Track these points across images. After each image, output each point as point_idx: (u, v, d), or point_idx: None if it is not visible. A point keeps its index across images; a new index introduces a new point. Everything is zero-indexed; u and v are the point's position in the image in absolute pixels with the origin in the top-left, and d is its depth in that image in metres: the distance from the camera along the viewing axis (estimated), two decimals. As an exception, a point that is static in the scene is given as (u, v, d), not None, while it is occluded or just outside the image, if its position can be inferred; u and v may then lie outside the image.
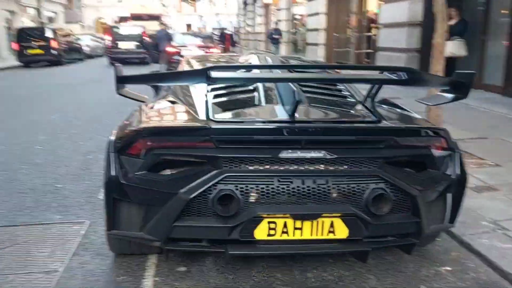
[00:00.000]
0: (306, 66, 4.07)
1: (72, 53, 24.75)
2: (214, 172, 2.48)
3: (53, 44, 21.82)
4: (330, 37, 17.79)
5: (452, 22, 9.75)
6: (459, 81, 2.71)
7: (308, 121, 2.88)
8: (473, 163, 5.26)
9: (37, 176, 5.11)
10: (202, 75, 2.47)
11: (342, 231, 2.56)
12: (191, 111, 2.98)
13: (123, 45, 22.54)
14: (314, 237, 2.56)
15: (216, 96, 3.13)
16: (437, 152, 2.84)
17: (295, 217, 2.48)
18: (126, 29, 24.49)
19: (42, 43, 21.52)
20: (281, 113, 2.86)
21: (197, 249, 2.69)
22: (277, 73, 3.17)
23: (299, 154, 2.53)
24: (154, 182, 2.57)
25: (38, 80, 16.29)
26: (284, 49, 23.25)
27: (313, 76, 3.06)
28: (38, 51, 21.47)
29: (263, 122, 2.76)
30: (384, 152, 2.62)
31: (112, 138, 2.75)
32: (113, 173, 2.60)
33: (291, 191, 2.51)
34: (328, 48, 17.97)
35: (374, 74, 3.05)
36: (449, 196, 2.95)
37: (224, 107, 2.98)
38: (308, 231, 2.54)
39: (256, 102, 3.11)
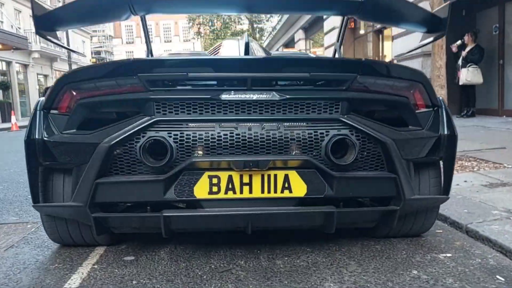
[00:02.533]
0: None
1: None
2: (143, 118, 2.13)
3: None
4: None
5: (467, 49, 9.45)
6: (435, 16, 2.34)
7: (256, 58, 2.52)
8: (489, 166, 4.71)
9: None
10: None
11: (299, 188, 2.12)
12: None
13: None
14: (266, 195, 2.12)
15: None
16: (418, 107, 2.41)
17: (238, 166, 2.06)
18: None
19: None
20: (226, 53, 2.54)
21: (131, 215, 2.27)
22: None
23: (244, 95, 2.16)
24: (81, 138, 2.23)
25: None
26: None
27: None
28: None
29: (200, 57, 2.42)
30: (348, 94, 2.22)
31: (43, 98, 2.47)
32: (36, 134, 2.28)
33: (235, 139, 2.12)
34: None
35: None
36: (436, 162, 2.47)
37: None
38: (258, 187, 2.11)
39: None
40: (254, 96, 2.15)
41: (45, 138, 2.25)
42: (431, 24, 2.38)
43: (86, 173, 2.14)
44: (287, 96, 2.14)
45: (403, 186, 2.21)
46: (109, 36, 56.29)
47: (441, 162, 2.56)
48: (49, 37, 2.44)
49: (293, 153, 2.13)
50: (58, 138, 2.25)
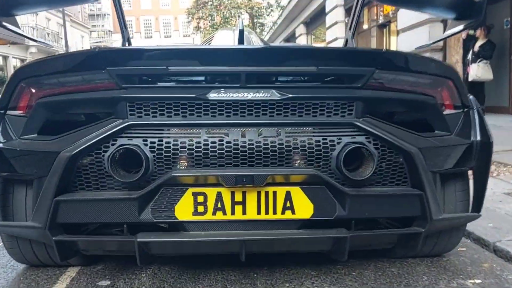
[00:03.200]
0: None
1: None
2: (114, 122, 1.74)
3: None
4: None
5: (479, 43, 9.02)
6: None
7: (252, 48, 2.12)
8: (509, 171, 4.31)
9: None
10: None
11: (304, 208, 1.73)
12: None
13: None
14: (263, 216, 1.74)
15: None
16: (445, 108, 2.02)
17: (229, 182, 1.67)
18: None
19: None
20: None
21: (100, 238, 1.87)
22: None
23: (237, 94, 1.77)
24: (40, 145, 1.84)
25: None
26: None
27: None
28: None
29: (183, 47, 2.02)
30: (364, 93, 1.82)
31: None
32: None
33: (226, 148, 1.73)
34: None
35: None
36: (465, 173, 2.08)
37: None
38: (253, 207, 1.73)
39: None
40: (249, 95, 1.76)
41: (1, 145, 1.86)
42: (462, 8, 1.99)
43: (45, 189, 1.76)
44: (290, 95, 1.75)
45: (430, 204, 1.82)
46: (109, 31, 55.76)
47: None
48: (4, 24, 2.05)
49: (297, 165, 1.74)
50: (15, 144, 1.86)
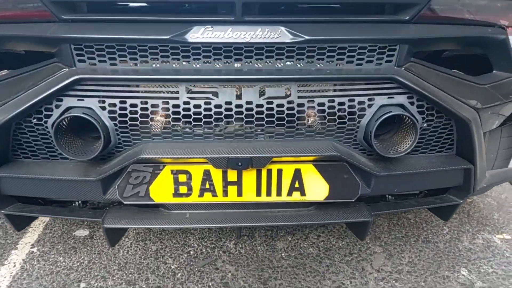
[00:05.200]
0: None
1: None
2: (57, 73, 1.24)
3: None
4: None
5: None
6: None
7: None
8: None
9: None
10: None
11: (317, 188, 1.33)
12: None
13: None
14: (263, 198, 1.35)
15: None
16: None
17: (219, 165, 1.24)
18: None
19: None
20: None
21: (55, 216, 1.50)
22: None
23: (230, 34, 1.22)
24: None
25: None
26: None
27: None
28: None
29: None
30: (414, 30, 1.27)
31: None
32: None
33: (214, 115, 1.26)
34: None
35: None
36: None
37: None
38: (251, 187, 1.33)
39: None
40: (247, 36, 1.22)
41: None
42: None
43: None
44: (306, 37, 1.21)
45: (477, 175, 1.43)
46: None
47: None
48: None
49: (309, 135, 1.29)
50: None
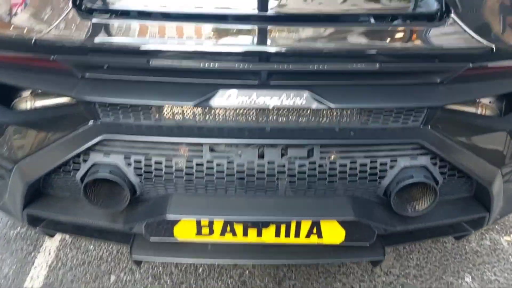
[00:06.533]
0: None
1: None
2: (83, 127, 1.24)
3: None
4: None
5: None
6: None
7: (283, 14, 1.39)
8: None
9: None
10: None
11: (334, 233, 1.39)
12: None
13: None
14: (282, 240, 1.41)
15: None
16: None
17: (240, 224, 1.30)
18: None
19: None
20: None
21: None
22: None
23: (254, 97, 1.19)
24: None
25: None
26: None
27: None
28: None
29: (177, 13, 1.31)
30: (443, 96, 1.21)
31: None
32: None
33: (237, 173, 1.28)
34: None
35: None
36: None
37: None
38: (271, 231, 1.39)
39: None
40: (272, 100, 1.18)
41: None
42: None
43: (10, 197, 1.39)
44: (331, 105, 1.16)
45: (491, 216, 1.46)
46: None
47: None
48: None
49: (329, 198, 1.30)
50: None
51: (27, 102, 1.35)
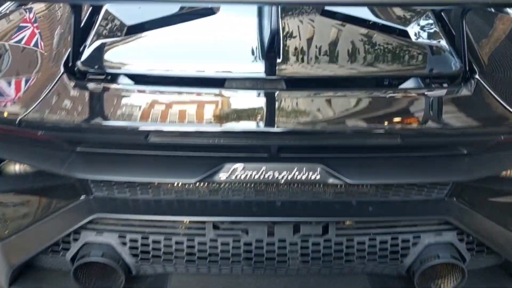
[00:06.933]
0: None
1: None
2: (74, 202, 1.12)
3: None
4: None
5: None
6: None
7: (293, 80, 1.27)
8: None
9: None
10: None
11: None
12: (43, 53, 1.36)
13: None
14: None
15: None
16: None
17: None
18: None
19: None
20: (229, 67, 1.27)
21: None
22: None
23: (263, 171, 1.07)
24: None
25: None
26: None
27: None
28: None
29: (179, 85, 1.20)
30: (470, 169, 1.10)
31: None
32: None
33: (244, 252, 1.16)
34: None
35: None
36: None
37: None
38: None
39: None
40: (282, 175, 1.06)
41: None
42: None
43: None
44: (348, 181, 1.04)
45: None
46: None
47: None
48: None
49: (346, 276, 1.18)
50: None
51: (15, 166, 1.24)
